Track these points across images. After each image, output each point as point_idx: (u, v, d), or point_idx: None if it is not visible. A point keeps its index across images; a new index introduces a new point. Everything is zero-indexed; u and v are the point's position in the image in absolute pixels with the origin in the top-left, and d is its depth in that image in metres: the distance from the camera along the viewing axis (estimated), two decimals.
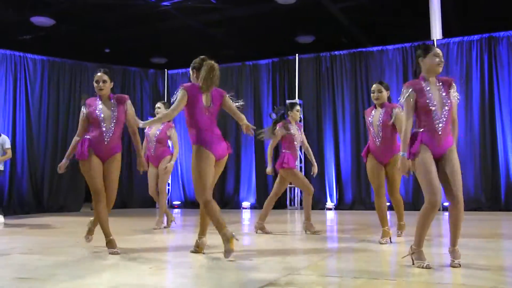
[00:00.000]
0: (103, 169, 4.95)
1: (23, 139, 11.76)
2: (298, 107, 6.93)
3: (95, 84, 5.04)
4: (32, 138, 11.91)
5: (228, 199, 13.28)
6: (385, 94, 5.62)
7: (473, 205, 10.73)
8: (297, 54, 12.96)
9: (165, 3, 11.20)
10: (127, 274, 3.85)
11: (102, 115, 4.94)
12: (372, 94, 5.68)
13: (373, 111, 5.67)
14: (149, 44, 13.66)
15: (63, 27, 12.13)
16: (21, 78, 11.86)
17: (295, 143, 6.75)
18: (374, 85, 5.70)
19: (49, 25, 11.76)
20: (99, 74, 5.07)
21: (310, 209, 6.71)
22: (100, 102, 5.02)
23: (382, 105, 5.59)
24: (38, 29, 12.01)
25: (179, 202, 13.70)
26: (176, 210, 12.77)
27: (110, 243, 4.90)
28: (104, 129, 4.91)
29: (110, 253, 4.77)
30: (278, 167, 6.72)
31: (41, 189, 11.98)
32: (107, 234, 4.93)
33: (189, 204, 13.49)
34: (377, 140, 5.54)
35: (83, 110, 5.03)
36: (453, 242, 3.97)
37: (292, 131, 6.74)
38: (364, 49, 12.47)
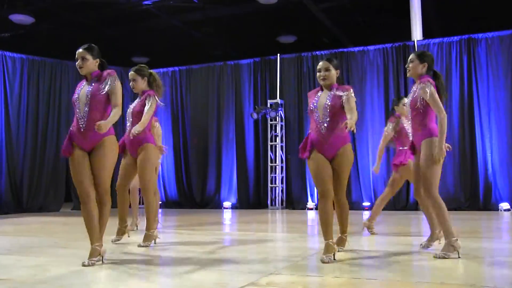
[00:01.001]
0: (91, 161, 4.23)
1: (1, 138, 11.62)
2: (405, 100, 5.90)
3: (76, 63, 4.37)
4: (11, 137, 11.77)
5: (209, 198, 13.26)
6: (333, 73, 4.62)
7: (452, 204, 10.85)
8: (278, 54, 12.99)
9: (146, 2, 11.14)
10: (106, 274, 3.83)
11: (77, 97, 4.27)
12: (318, 74, 4.66)
13: (318, 93, 4.68)
14: (130, 43, 13.58)
15: (43, 25, 12.00)
16: (0, 76, 11.72)
17: (410, 138, 5.48)
18: (320, 63, 4.67)
19: (28, 23, 11.62)
20: (79, 50, 4.32)
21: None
22: (84, 83, 4.38)
23: (330, 87, 4.62)
24: (18, 27, 11.86)
25: (160, 202, 13.61)
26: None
27: (91, 251, 4.17)
28: (78, 114, 4.23)
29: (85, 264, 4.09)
30: (399, 164, 6.25)
31: (20, 189, 11.84)
32: (91, 240, 4.19)
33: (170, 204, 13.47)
34: (322, 127, 4.50)
35: None
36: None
37: (405, 125, 6.23)
38: (345, 50, 12.54)
